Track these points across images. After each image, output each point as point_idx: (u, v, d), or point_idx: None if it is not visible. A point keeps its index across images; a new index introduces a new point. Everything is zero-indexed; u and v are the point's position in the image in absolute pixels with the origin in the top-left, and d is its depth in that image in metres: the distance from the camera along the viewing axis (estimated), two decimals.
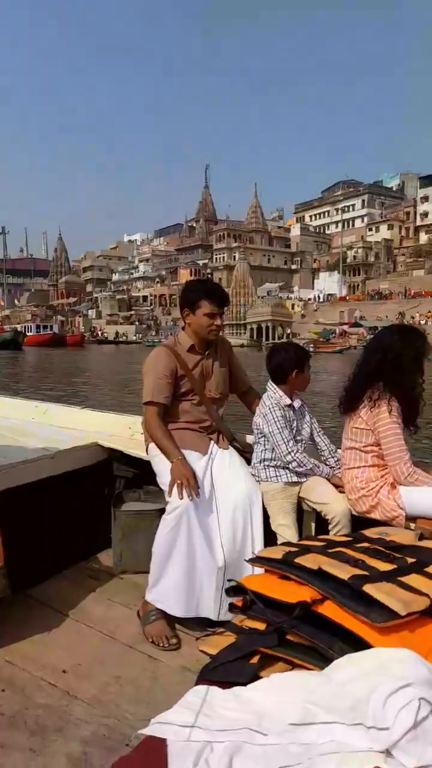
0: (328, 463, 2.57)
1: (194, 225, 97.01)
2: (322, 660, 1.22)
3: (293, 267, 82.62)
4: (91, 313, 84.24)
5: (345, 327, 53.69)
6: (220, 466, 2.47)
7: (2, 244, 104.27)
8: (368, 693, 1.10)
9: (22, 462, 2.50)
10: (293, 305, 66.85)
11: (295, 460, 2.41)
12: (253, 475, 2.51)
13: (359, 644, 1.19)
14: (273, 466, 2.47)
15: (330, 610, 1.26)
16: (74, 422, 3.27)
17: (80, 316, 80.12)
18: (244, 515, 2.33)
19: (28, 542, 2.46)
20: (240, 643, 1.33)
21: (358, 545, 1.52)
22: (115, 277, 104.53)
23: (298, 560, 1.41)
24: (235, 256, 72.33)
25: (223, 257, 79.25)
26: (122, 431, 3.05)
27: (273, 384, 2.58)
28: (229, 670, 1.27)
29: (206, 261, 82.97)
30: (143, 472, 2.77)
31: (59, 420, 3.35)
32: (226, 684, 1.25)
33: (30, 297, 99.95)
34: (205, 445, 2.53)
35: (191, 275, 72.76)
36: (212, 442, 2.57)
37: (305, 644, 1.26)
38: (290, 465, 2.41)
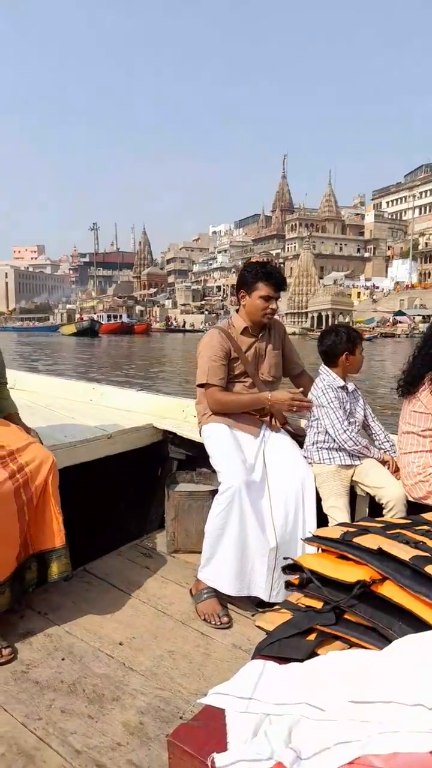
0: (382, 447, 2.53)
1: (271, 215, 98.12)
2: (381, 640, 1.20)
3: (366, 255, 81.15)
4: (168, 303, 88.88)
5: (390, 315, 52.79)
6: (272, 448, 2.47)
7: (94, 239, 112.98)
8: (430, 674, 1.08)
9: (81, 441, 2.57)
10: (359, 293, 65.81)
11: (351, 438, 2.38)
12: (305, 457, 2.49)
13: (420, 625, 1.17)
14: (326, 448, 2.45)
15: (390, 590, 1.24)
16: (130, 404, 3.34)
17: (158, 306, 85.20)
18: (297, 497, 2.32)
19: (86, 519, 2.53)
20: (297, 620, 1.33)
21: (417, 528, 1.49)
22: (196, 268, 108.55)
23: (356, 540, 1.39)
24: (307, 245, 72.42)
25: (295, 246, 79.04)
26: (176, 414, 3.09)
27: (325, 367, 2.55)
28: (286, 646, 1.27)
29: (279, 251, 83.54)
30: (196, 454, 2.80)
31: (115, 402, 3.42)
32: (282, 660, 1.26)
33: (116, 288, 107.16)
34: (257, 427, 2.53)
35: None
36: (264, 424, 2.57)
37: (364, 624, 1.25)
38: (345, 444, 2.38)
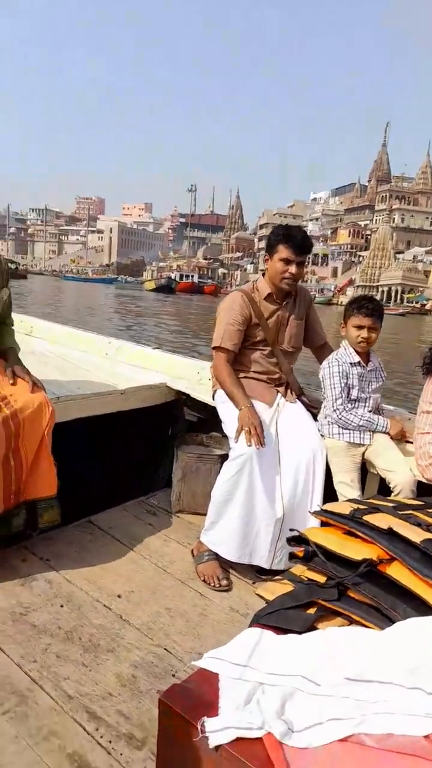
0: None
1: (367, 185, 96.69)
2: (383, 620, 1.18)
3: None
4: (251, 267, 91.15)
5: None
6: (285, 419, 2.42)
7: (191, 200, 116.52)
8: (430, 659, 1.06)
9: (95, 394, 2.55)
10: None
11: (341, 418, 2.35)
12: (318, 430, 2.45)
13: (426, 609, 1.14)
14: (337, 423, 2.40)
15: (397, 571, 1.22)
16: (145, 361, 3.30)
17: (240, 270, 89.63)
18: (307, 469, 2.28)
19: (93, 471, 2.53)
20: (298, 593, 1.31)
21: (430, 510, 1.45)
22: None
23: (366, 518, 1.36)
24: (394, 218, 70.59)
25: (383, 218, 76.55)
26: (191, 375, 3.05)
27: (345, 340, 2.48)
28: (285, 617, 1.26)
29: (367, 222, 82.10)
30: (208, 417, 2.77)
31: (131, 358, 3.39)
32: (280, 630, 1.24)
33: (206, 250, 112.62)
34: (272, 396, 2.49)
35: (350, 236, 77.82)
36: (279, 394, 2.52)
37: (367, 603, 1.23)
38: (338, 422, 2.36)
